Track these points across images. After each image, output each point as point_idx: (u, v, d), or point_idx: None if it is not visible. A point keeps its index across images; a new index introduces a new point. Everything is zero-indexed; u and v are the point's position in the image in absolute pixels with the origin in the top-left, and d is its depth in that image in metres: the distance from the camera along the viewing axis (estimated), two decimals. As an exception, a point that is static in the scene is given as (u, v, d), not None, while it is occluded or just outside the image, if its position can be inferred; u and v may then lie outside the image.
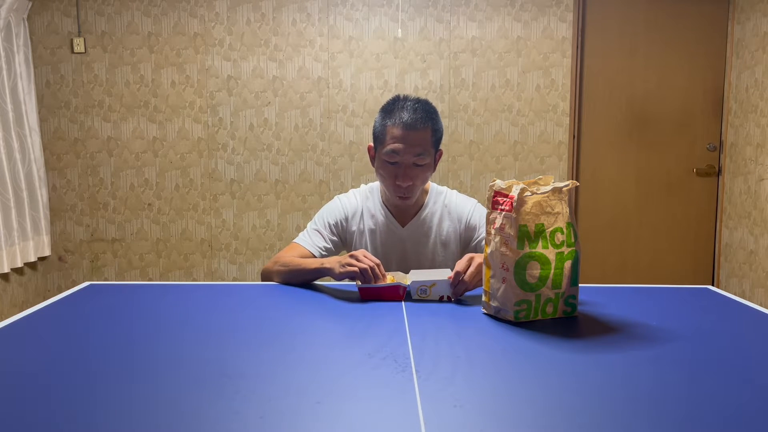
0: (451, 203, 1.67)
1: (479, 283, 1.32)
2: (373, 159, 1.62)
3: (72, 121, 3.52)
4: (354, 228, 1.67)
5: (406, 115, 1.50)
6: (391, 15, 3.52)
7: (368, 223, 1.66)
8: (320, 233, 1.65)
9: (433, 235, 1.65)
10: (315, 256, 1.60)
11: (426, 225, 1.65)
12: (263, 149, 3.58)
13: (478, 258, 1.34)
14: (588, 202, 3.71)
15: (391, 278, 1.42)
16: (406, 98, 1.55)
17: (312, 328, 1.18)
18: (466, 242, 1.67)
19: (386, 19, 3.52)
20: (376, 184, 1.71)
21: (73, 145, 3.54)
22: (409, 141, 1.50)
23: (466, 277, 1.32)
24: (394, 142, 1.50)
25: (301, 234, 1.68)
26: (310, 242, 1.63)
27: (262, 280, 1.61)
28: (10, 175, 3.15)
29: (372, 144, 1.61)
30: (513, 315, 1.16)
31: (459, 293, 1.34)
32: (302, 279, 1.51)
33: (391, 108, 1.54)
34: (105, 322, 1.19)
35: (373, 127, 1.59)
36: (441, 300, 1.35)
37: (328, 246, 1.65)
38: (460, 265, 1.35)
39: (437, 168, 1.65)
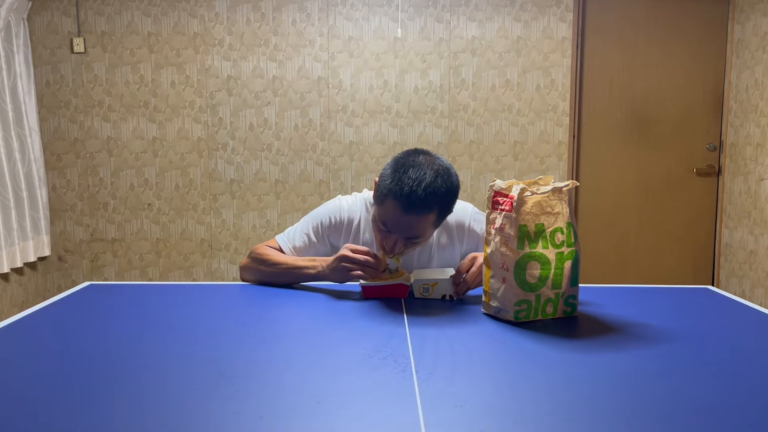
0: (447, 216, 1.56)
1: (481, 283, 1.32)
2: (375, 192, 1.42)
3: (72, 121, 3.52)
4: (350, 237, 1.58)
5: (408, 199, 1.28)
6: (391, 15, 3.52)
7: (364, 237, 1.57)
8: (308, 237, 1.57)
9: (431, 250, 1.57)
10: None
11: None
12: (263, 149, 3.58)
13: (481, 258, 1.34)
14: (588, 202, 3.71)
15: (382, 255, 1.38)
16: (422, 166, 1.31)
17: (312, 327, 1.18)
18: (468, 251, 1.59)
19: (386, 19, 3.52)
20: None
21: (73, 145, 3.54)
22: (404, 223, 1.33)
23: (468, 276, 1.32)
24: (388, 217, 1.34)
25: (287, 231, 1.60)
26: (290, 246, 1.56)
27: (241, 278, 1.56)
28: (10, 175, 3.15)
29: (377, 180, 1.41)
30: (513, 315, 1.16)
31: (461, 293, 1.34)
32: (292, 282, 1.48)
33: (399, 176, 1.31)
34: (105, 322, 1.19)
35: (381, 174, 1.38)
36: (443, 299, 1.35)
37: (309, 253, 1.57)
38: (462, 264, 1.35)
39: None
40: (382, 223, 1.37)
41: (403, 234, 1.36)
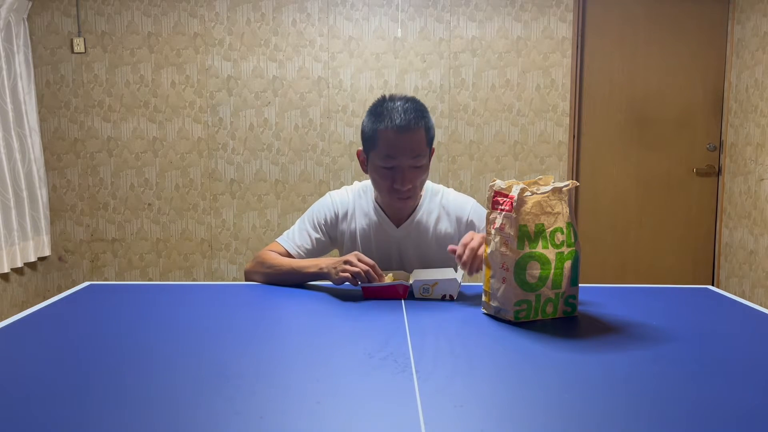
0: (449, 204, 1.61)
1: (482, 264, 1.28)
2: (363, 163, 1.56)
3: (72, 121, 3.52)
4: (344, 227, 1.62)
5: (397, 118, 1.42)
6: (391, 15, 3.52)
7: (360, 223, 1.61)
8: (307, 233, 1.61)
9: (429, 235, 1.60)
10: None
11: (422, 225, 1.60)
12: (263, 149, 3.58)
13: (479, 236, 1.32)
14: (588, 202, 3.71)
15: (389, 277, 1.42)
16: (393, 99, 1.48)
17: (312, 328, 1.18)
18: None
19: (386, 19, 3.52)
20: (370, 182, 1.66)
21: (73, 145, 3.54)
22: (404, 144, 1.43)
23: (473, 244, 1.29)
24: (388, 148, 1.44)
25: (286, 233, 1.64)
26: (292, 245, 1.60)
27: (246, 281, 1.59)
28: (10, 175, 3.15)
29: (361, 149, 1.55)
30: (513, 315, 1.16)
31: (469, 267, 1.30)
32: (295, 282, 1.50)
33: (379, 111, 1.46)
34: (105, 322, 1.19)
35: (362, 130, 1.52)
36: (443, 299, 1.35)
37: (313, 248, 1.61)
38: (463, 239, 1.33)
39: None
40: (386, 159, 1.45)
41: (407, 156, 1.44)
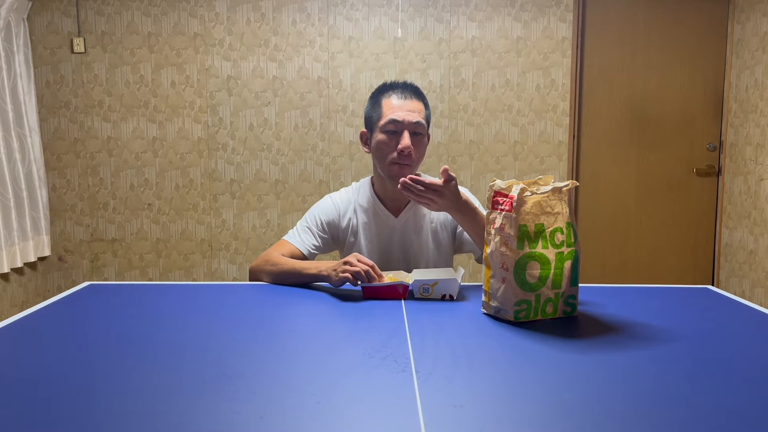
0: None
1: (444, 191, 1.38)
2: (366, 143, 1.65)
3: (72, 121, 3.52)
4: (346, 224, 1.67)
5: (399, 90, 1.59)
6: (391, 15, 3.52)
7: (361, 218, 1.66)
8: (311, 231, 1.66)
9: (426, 222, 1.66)
10: (305, 255, 1.62)
11: (419, 213, 1.66)
12: (263, 149, 3.58)
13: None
14: (588, 202, 3.71)
15: (389, 277, 1.42)
16: (393, 81, 1.64)
17: (312, 328, 1.18)
18: (456, 226, 1.67)
19: (386, 19, 3.52)
20: (366, 179, 1.73)
21: (73, 145, 3.54)
22: (406, 108, 1.56)
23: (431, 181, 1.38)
24: (392, 112, 1.55)
25: (291, 231, 1.68)
26: (299, 240, 1.63)
27: (250, 279, 1.61)
28: (10, 175, 3.15)
29: (364, 129, 1.65)
30: (513, 315, 1.16)
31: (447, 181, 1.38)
32: (296, 282, 1.51)
33: (381, 90, 1.62)
34: (105, 322, 1.19)
35: (365, 112, 1.64)
36: (443, 299, 1.35)
37: (318, 244, 1.65)
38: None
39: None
40: (391, 123, 1.54)
41: (409, 120, 1.54)
